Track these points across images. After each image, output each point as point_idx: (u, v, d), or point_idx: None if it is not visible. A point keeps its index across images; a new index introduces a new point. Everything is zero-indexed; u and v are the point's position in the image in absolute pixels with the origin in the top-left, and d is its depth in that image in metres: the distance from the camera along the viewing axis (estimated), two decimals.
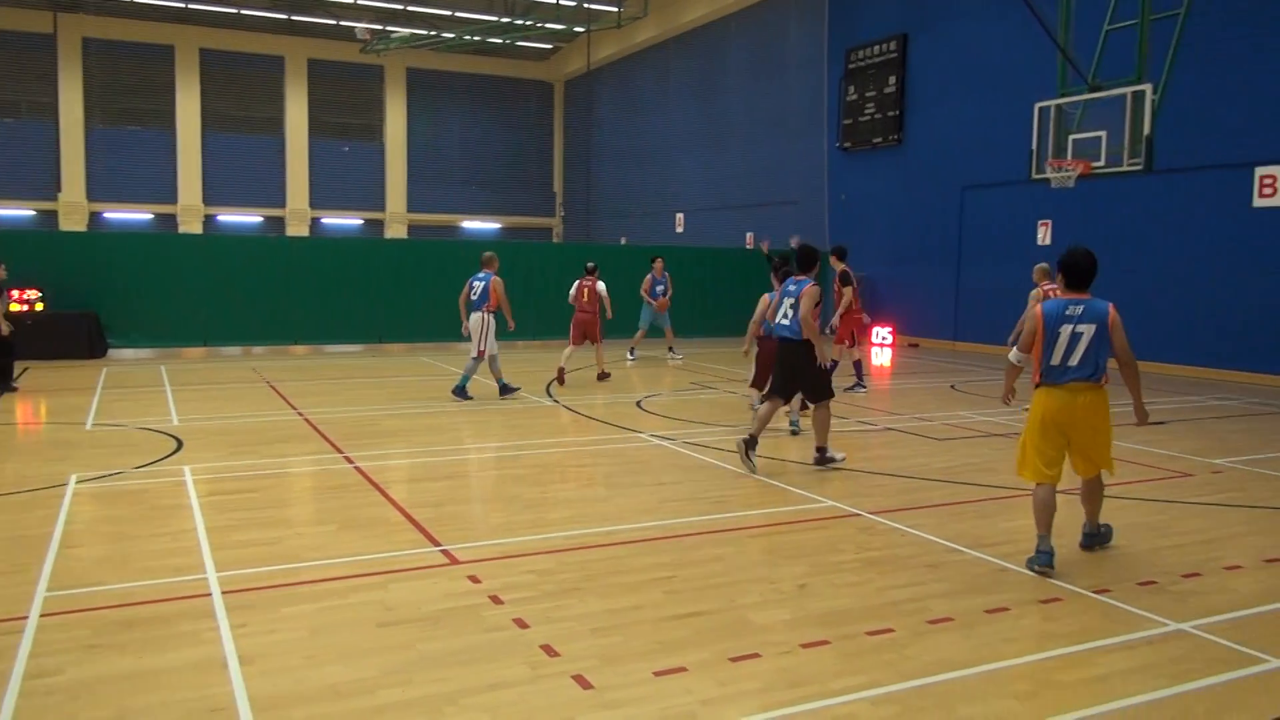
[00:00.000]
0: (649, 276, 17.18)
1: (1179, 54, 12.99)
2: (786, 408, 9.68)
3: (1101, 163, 13.31)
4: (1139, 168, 12.91)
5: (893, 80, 22.19)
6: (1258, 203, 15.09)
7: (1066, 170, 13.64)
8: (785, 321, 8.23)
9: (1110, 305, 5.57)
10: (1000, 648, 4.44)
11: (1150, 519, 6.85)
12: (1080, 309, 5.54)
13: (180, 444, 9.20)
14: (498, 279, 12.11)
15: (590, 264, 15.05)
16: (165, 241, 21.27)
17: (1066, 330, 5.52)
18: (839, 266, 13.43)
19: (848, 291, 13.17)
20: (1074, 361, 5.53)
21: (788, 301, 8.23)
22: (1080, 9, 14.19)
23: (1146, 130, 12.65)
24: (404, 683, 4.02)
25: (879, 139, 22.69)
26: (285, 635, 4.51)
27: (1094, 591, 5.24)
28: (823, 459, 8.44)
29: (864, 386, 13.46)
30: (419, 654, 4.32)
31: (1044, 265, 12.44)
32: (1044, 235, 18.59)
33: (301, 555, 5.77)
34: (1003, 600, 5.08)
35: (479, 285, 12.11)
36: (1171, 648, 4.48)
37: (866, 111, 23.02)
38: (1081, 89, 13.69)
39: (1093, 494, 5.95)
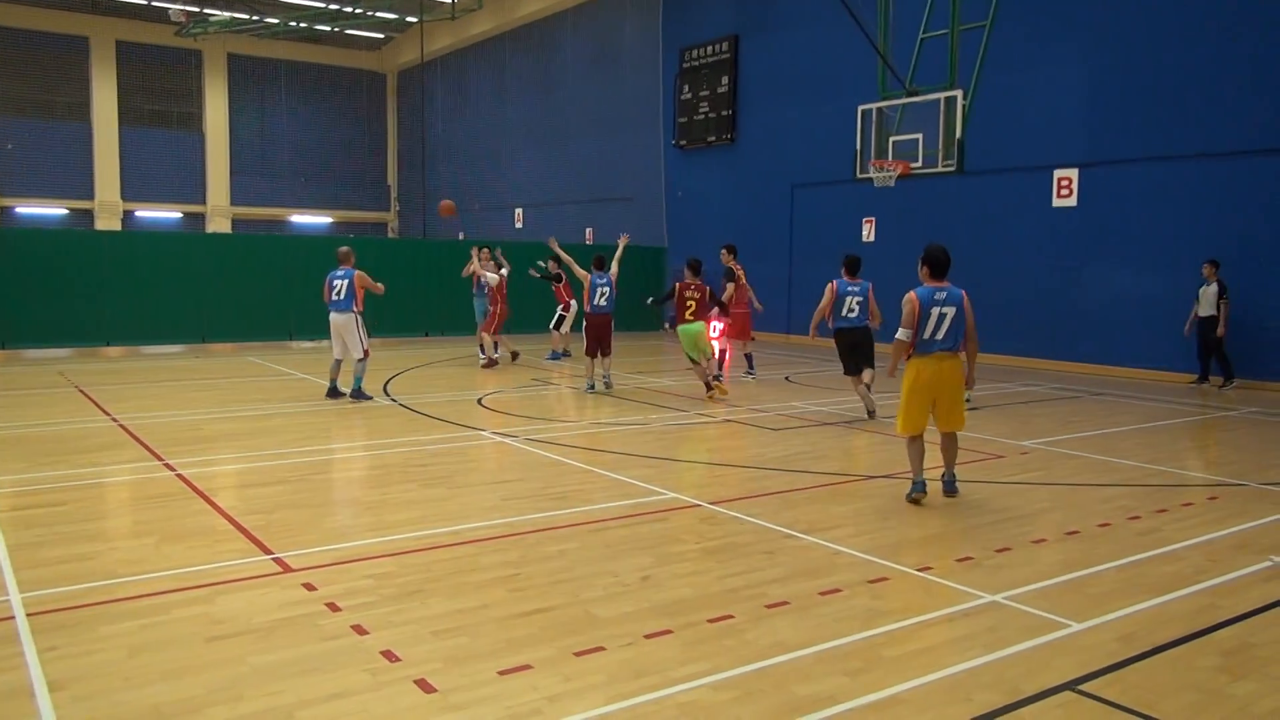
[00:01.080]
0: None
1: (986, 62, 13.90)
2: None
3: (919, 163, 14.09)
4: (952, 169, 13.75)
5: (725, 80, 22.75)
6: (1056, 202, 16.34)
7: (888, 170, 14.37)
8: (853, 315, 10.84)
9: (964, 291, 7.00)
10: (833, 627, 4.64)
11: (967, 498, 7.31)
12: (945, 294, 6.93)
13: None
14: (361, 273, 11.68)
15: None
16: None
17: (935, 311, 6.87)
18: (729, 263, 14.23)
19: (730, 286, 13.91)
20: (940, 336, 6.91)
21: (854, 299, 10.80)
22: (898, 18, 14.98)
23: (958, 133, 13.47)
24: (235, 699, 3.83)
25: (713, 137, 23.23)
26: (101, 657, 4.22)
27: (917, 570, 5.55)
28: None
29: (753, 373, 14.50)
30: (250, 667, 4.13)
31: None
32: (869, 232, 19.53)
33: (118, 570, 5.41)
34: (835, 582, 5.31)
35: (341, 284, 11.58)
36: (987, 618, 4.80)
37: (701, 110, 23.51)
38: (900, 93, 14.45)
39: (950, 448, 7.26)
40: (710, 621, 4.70)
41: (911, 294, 6.92)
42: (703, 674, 4.09)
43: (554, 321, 17.08)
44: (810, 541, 6.10)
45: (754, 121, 22.41)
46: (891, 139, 14.47)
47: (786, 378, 14.82)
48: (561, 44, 29.07)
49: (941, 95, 13.68)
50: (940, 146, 13.74)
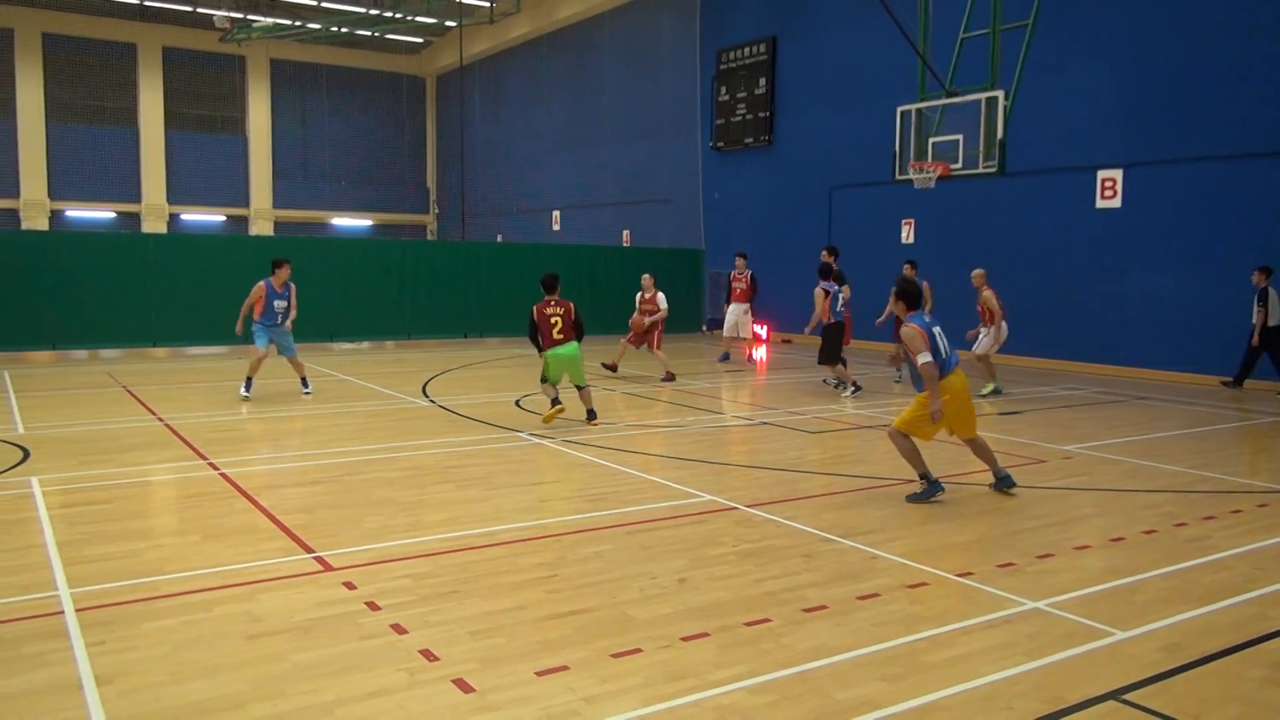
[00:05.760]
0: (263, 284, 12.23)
1: (1028, 62, 13.73)
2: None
3: (959, 165, 13.95)
4: (993, 170, 13.60)
5: (763, 82, 22.67)
6: (1100, 204, 16.09)
7: (927, 172, 14.24)
8: (840, 312, 12.95)
9: None
10: (871, 632, 4.60)
11: (1008, 503, 7.22)
12: (931, 318, 7.33)
13: (26, 454, 8.63)
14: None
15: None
16: (7, 239, 19.88)
17: (937, 332, 7.23)
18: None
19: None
20: (951, 352, 7.29)
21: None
22: (938, 18, 14.85)
23: (999, 134, 13.32)
24: (276, 695, 3.88)
25: (750, 139, 23.16)
26: (146, 652, 4.29)
27: (957, 575, 5.49)
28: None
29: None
30: (292, 665, 4.18)
31: (983, 271, 13.33)
32: (908, 234, 19.37)
33: (163, 567, 5.50)
34: (873, 586, 5.27)
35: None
36: (1028, 625, 4.73)
37: (738, 112, 23.45)
38: (939, 94, 14.32)
39: (984, 450, 7.49)
40: (747, 625, 4.68)
41: (912, 326, 7.14)
42: (740, 677, 4.08)
43: None
44: (848, 545, 6.05)
45: (792, 123, 22.32)
46: (931, 140, 14.34)
47: (824, 380, 14.72)
48: (598, 46, 29.14)
49: (982, 96, 13.54)
50: (981, 147, 13.59)
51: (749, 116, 23.16)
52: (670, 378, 14.31)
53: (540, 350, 10.41)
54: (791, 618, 4.78)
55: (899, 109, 14.73)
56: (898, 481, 7.94)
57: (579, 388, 10.60)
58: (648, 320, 14.60)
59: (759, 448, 9.49)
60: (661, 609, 4.89)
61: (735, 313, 17.01)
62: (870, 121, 19.04)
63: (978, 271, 13.30)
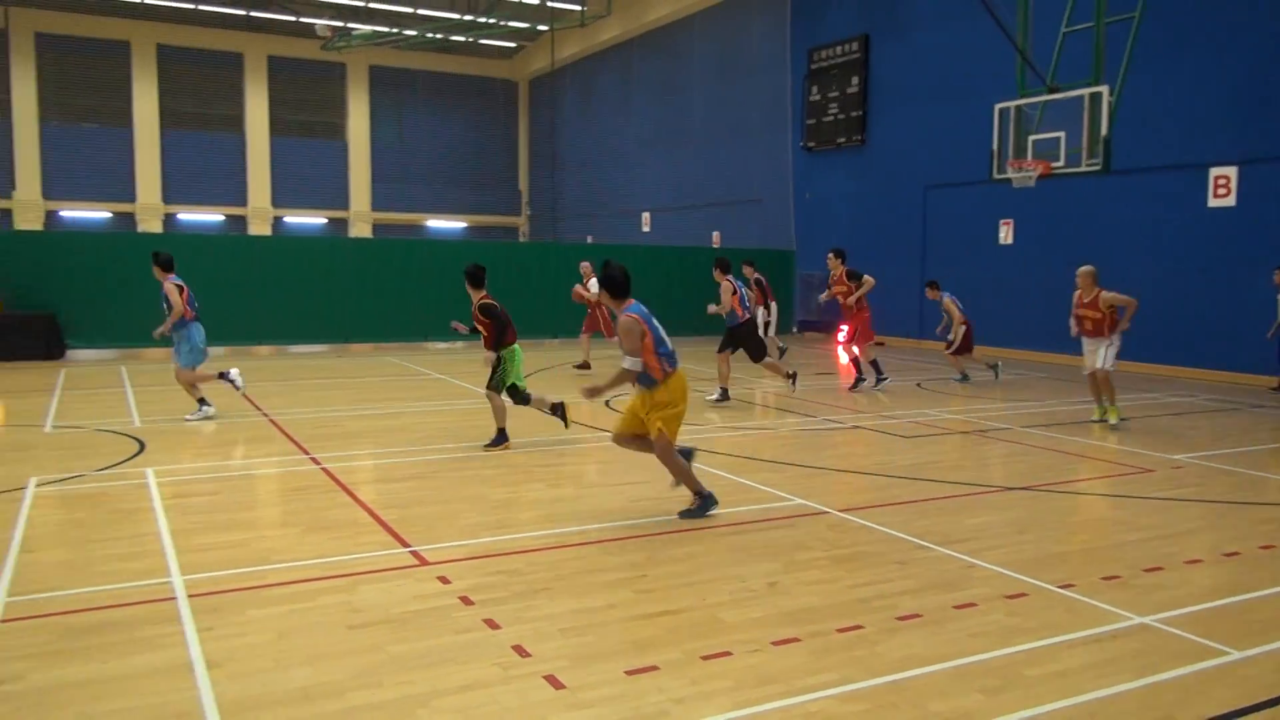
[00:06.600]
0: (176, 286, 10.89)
1: (1134, 56, 13.21)
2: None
3: (1061, 163, 13.50)
4: (1097, 168, 13.11)
5: (855, 80, 22.36)
6: (1212, 203, 15.39)
7: (1026, 170, 13.82)
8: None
9: None
10: (967, 643, 4.49)
11: (1113, 514, 6.96)
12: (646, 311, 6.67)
13: (142, 446, 9.05)
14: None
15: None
16: (124, 241, 20.90)
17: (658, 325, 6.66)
18: (842, 268, 13.89)
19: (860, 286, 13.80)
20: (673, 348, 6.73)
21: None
22: (1038, 12, 14.38)
23: (1104, 131, 12.84)
24: (374, 685, 3.99)
25: (843, 139, 22.86)
26: (253, 638, 4.45)
27: (1058, 586, 5.32)
28: None
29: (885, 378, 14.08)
30: (389, 656, 4.28)
31: (1093, 269, 10.84)
32: (1006, 234, 18.85)
33: (268, 557, 5.70)
34: (970, 596, 5.14)
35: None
36: (1135, 641, 4.56)
37: (830, 111, 23.17)
38: (1040, 90, 13.87)
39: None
40: (839, 631, 4.61)
41: (631, 316, 6.44)
42: (831, 684, 4.02)
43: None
44: (943, 553, 5.92)
45: (885, 122, 21.95)
46: (1031, 138, 13.90)
47: (918, 384, 14.44)
48: (688, 48, 29.14)
49: (1085, 91, 13.07)
50: (1084, 145, 13.12)
51: (841, 116, 22.86)
52: (585, 366, 15.38)
53: (500, 348, 9.16)
54: (885, 625, 4.70)
55: (997, 106, 14.32)
56: (995, 489, 7.73)
57: (518, 388, 9.46)
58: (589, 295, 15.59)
59: (851, 452, 9.35)
60: (752, 612, 4.86)
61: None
62: (967, 119, 18.59)
63: (1086, 269, 10.84)
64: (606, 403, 12.15)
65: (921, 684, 4.05)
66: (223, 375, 10.91)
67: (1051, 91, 13.67)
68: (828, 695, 3.92)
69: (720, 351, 12.37)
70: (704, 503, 6.71)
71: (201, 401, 10.75)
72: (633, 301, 6.62)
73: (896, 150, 21.57)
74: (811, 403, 12.36)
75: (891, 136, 21.75)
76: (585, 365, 15.56)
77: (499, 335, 9.11)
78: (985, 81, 17.74)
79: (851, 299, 13.68)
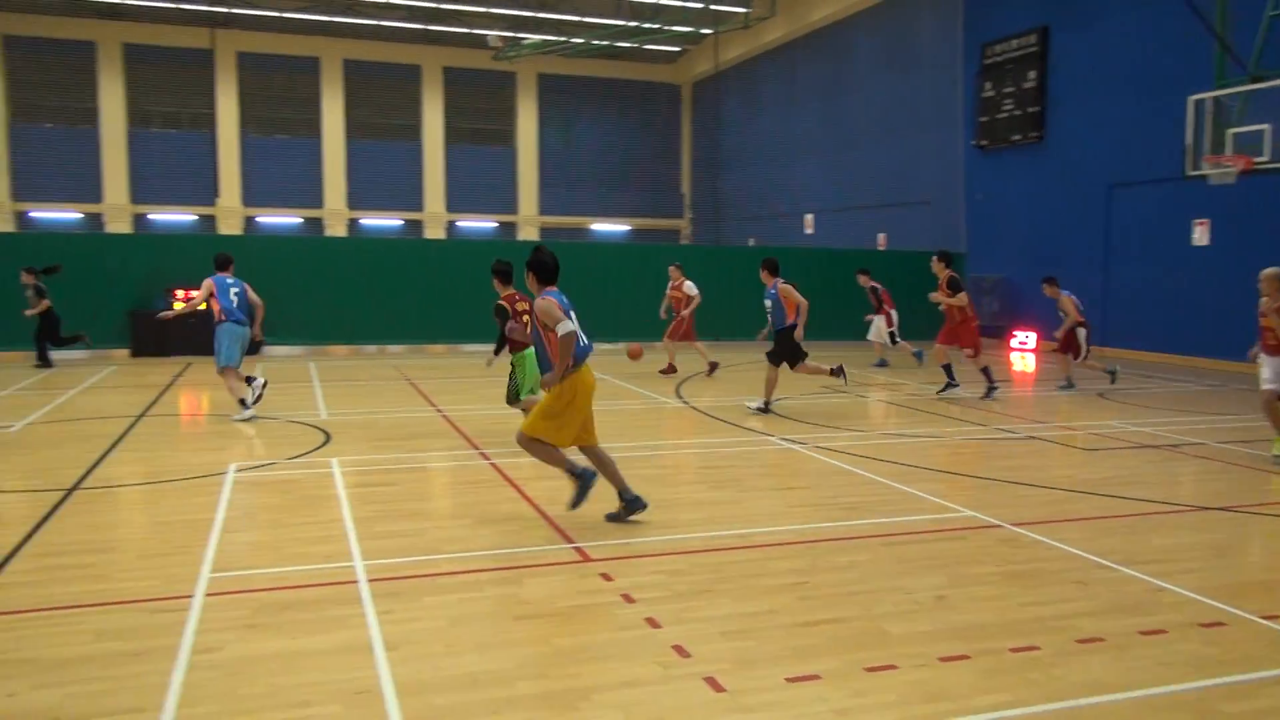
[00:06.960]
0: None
1: None
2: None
3: (1265, 158, 12.52)
4: None
5: (1033, 75, 21.33)
6: None
7: (1226, 166, 12.88)
8: (589, 346, 10.98)
9: None
10: (1156, 672, 4.20)
11: None
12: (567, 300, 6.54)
13: (328, 437, 9.64)
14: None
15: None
16: (314, 245, 22.35)
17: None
18: (946, 273, 12.98)
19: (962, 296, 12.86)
20: (588, 343, 6.78)
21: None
22: None
23: None
24: (539, 675, 4.10)
25: (1018, 136, 21.86)
26: (427, 624, 4.66)
27: (1262, 617, 4.91)
28: None
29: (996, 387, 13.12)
30: (553, 648, 4.39)
31: (1277, 270, 9.01)
32: (1200, 235, 17.55)
33: (441, 547, 5.95)
34: (1158, 622, 4.81)
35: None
36: None
37: (1004, 108, 22.20)
38: (1242, 80, 12.89)
39: (607, 464, 6.69)
40: (1012, 651, 4.41)
41: (548, 299, 6.36)
42: (1003, 705, 3.85)
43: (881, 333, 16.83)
44: (1128, 574, 5.57)
45: (1065, 118, 20.84)
46: (1230, 131, 12.96)
47: (1100, 394, 13.65)
48: (854, 46, 28.57)
49: None
50: None
51: (1016, 112, 21.86)
52: (671, 369, 15.36)
53: (514, 351, 9.11)
54: (1063, 648, 4.46)
55: (1191, 98, 13.41)
56: (1188, 508, 7.21)
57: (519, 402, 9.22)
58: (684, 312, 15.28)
59: (1025, 463, 8.93)
60: (919, 625, 4.71)
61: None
62: (1156, 113, 17.46)
63: (1271, 271, 8.98)
64: (767, 404, 12.03)
65: (1103, 712, 3.82)
66: (249, 379, 10.84)
67: (1255, 80, 12.68)
68: (999, 717, 3.76)
69: (775, 364, 11.46)
70: (579, 490, 6.58)
71: (242, 402, 10.61)
72: (554, 288, 6.52)
73: (1077, 147, 20.44)
74: (983, 411, 11.88)
75: (1072, 133, 20.62)
76: (672, 369, 15.66)
77: (512, 340, 8.89)
78: (1178, 72, 16.60)
79: (942, 305, 12.92)
